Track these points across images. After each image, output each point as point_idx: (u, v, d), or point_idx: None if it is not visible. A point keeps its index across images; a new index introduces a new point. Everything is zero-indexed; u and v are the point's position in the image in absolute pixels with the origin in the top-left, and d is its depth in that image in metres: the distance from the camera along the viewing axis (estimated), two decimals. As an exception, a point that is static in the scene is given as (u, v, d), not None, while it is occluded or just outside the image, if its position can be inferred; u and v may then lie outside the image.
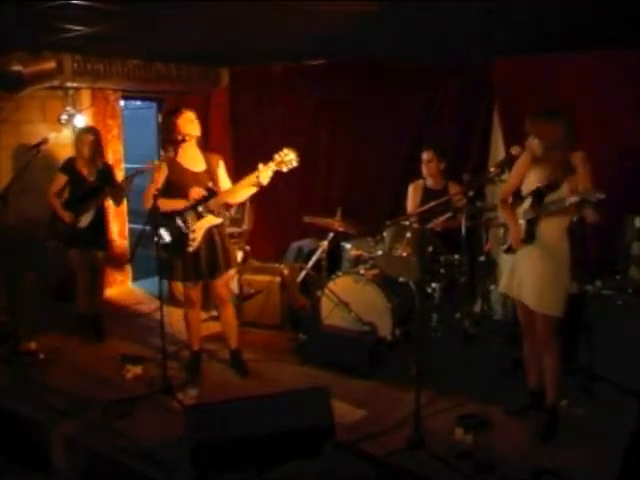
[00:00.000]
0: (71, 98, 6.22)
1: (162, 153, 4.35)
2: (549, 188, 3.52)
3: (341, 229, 5.41)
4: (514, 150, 3.68)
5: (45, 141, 5.02)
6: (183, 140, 4.36)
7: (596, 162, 3.56)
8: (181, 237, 4.35)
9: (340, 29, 4.29)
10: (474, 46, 5.05)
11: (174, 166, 4.40)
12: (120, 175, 6.31)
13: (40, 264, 5.81)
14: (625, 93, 4.82)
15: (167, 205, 4.31)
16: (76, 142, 5.31)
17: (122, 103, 6.93)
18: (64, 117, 6.13)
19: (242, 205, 6.01)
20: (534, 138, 3.57)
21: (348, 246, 5.63)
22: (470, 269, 5.24)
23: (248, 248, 6.22)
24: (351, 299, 5.02)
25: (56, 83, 5.44)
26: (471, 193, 4.46)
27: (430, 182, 5.32)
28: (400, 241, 4.84)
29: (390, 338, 4.85)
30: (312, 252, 5.85)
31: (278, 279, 5.58)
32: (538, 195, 3.56)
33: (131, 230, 7.10)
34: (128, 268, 7.08)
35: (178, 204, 4.35)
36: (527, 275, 3.67)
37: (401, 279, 5.02)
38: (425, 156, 5.25)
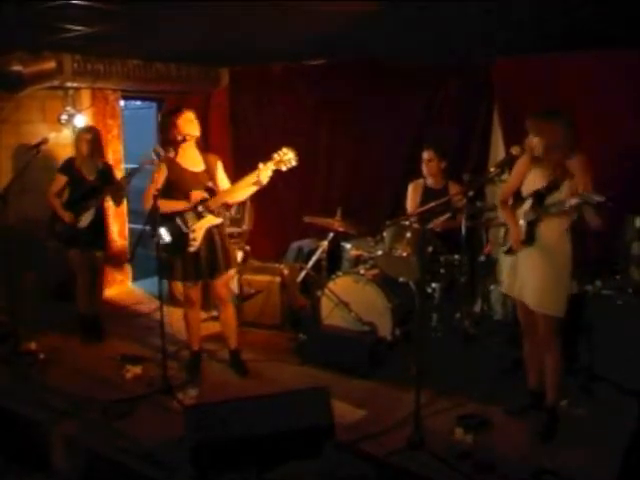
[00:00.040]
0: (71, 98, 6.22)
1: (158, 149, 4.33)
2: (549, 189, 3.52)
3: (341, 229, 5.41)
4: (514, 150, 3.68)
5: (45, 141, 5.03)
6: (183, 140, 4.36)
7: (596, 162, 3.57)
8: (181, 237, 4.35)
9: (340, 29, 4.28)
10: (474, 46, 5.05)
11: (174, 166, 4.40)
12: (120, 175, 6.30)
13: (40, 264, 5.81)
14: (625, 93, 4.82)
15: (167, 206, 4.31)
16: (75, 141, 5.32)
17: (122, 103, 6.92)
18: (64, 117, 6.13)
19: (242, 205, 6.02)
20: (534, 137, 3.57)
21: (348, 246, 5.63)
22: (470, 269, 5.24)
23: (248, 248, 6.21)
24: (351, 299, 5.02)
25: (56, 83, 5.44)
26: (471, 193, 4.46)
27: (430, 181, 5.32)
28: (400, 241, 4.84)
29: (390, 338, 4.85)
30: (312, 252, 5.85)
31: (278, 279, 5.58)
32: (538, 197, 3.56)
33: (131, 230, 7.10)
34: (128, 268, 7.08)
35: (178, 205, 4.35)
36: (528, 276, 3.67)
37: (401, 279, 5.02)
38: (425, 155, 5.25)
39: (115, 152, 6.66)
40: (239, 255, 5.97)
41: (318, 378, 4.47)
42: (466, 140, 5.77)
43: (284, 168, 4.16)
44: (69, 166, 5.22)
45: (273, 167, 4.15)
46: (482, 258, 5.36)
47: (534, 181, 3.63)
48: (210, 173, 4.47)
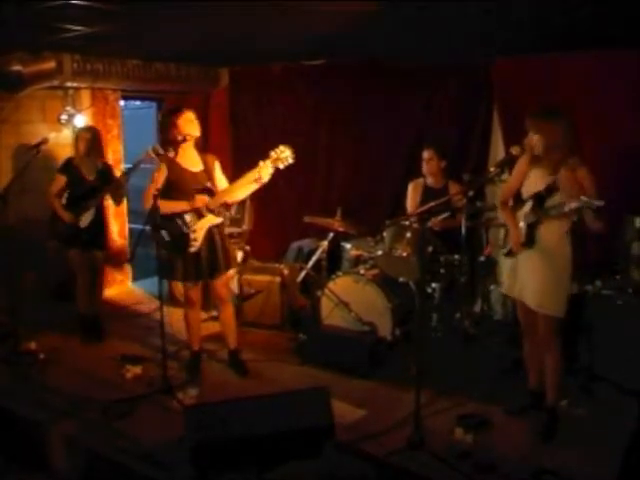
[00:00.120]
0: (71, 98, 6.22)
1: (157, 148, 4.34)
2: (549, 191, 3.52)
3: (341, 229, 5.41)
4: (514, 150, 3.67)
5: (45, 141, 5.03)
6: (183, 140, 4.37)
7: (596, 162, 3.58)
8: (182, 237, 4.35)
9: (340, 29, 4.28)
10: (474, 46, 5.05)
11: (173, 166, 4.41)
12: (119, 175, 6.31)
13: (40, 264, 5.81)
14: (625, 93, 4.82)
15: (168, 207, 4.31)
16: (74, 140, 5.33)
17: (122, 103, 6.92)
18: (64, 117, 6.13)
19: (242, 205, 6.02)
20: (534, 135, 3.56)
21: (348, 246, 5.63)
22: (470, 269, 5.24)
23: (248, 248, 6.21)
24: (351, 299, 5.02)
25: (56, 83, 5.44)
26: (471, 193, 4.47)
27: (430, 181, 5.32)
28: (400, 241, 4.84)
29: (390, 338, 4.85)
30: (312, 252, 5.85)
31: (278, 279, 5.58)
32: (538, 199, 3.56)
33: (131, 230, 7.11)
34: (128, 268, 7.08)
35: (179, 206, 4.35)
36: (528, 276, 3.67)
37: (401, 279, 5.03)
38: (426, 154, 5.25)
39: (115, 152, 6.66)
40: (239, 255, 5.97)
41: (318, 378, 4.47)
42: (466, 140, 5.77)
43: (281, 166, 4.16)
44: (68, 166, 5.23)
45: (271, 165, 4.15)
46: (482, 258, 5.36)
47: (534, 181, 3.63)
48: (208, 173, 4.48)
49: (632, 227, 4.61)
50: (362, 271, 5.12)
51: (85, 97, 6.37)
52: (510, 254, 3.78)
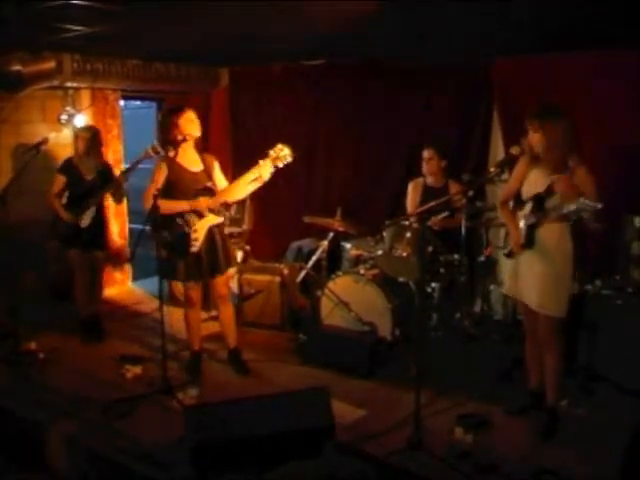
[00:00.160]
0: (71, 98, 6.22)
1: (156, 147, 4.35)
2: (549, 192, 3.52)
3: (341, 229, 5.41)
4: (514, 150, 3.68)
5: (45, 141, 5.02)
6: (183, 140, 4.38)
7: (596, 162, 3.57)
8: (183, 237, 4.36)
9: (340, 29, 4.28)
10: (474, 46, 5.05)
11: (174, 166, 4.41)
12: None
13: (40, 264, 5.81)
14: (625, 93, 4.82)
15: (168, 207, 4.31)
16: (74, 140, 5.32)
17: (122, 103, 6.92)
18: (64, 117, 6.13)
19: (242, 205, 6.02)
20: (535, 134, 3.56)
21: (348, 246, 5.63)
22: (470, 269, 5.24)
23: (248, 248, 6.22)
24: (351, 299, 5.02)
25: (56, 83, 5.45)
26: (471, 193, 4.47)
27: (430, 180, 5.32)
28: (400, 241, 4.84)
29: (390, 338, 4.85)
30: (312, 252, 5.85)
31: (278, 279, 5.57)
32: (538, 201, 3.56)
33: (131, 230, 7.11)
34: (128, 268, 7.08)
35: (180, 206, 4.35)
36: (529, 277, 3.67)
37: (401, 279, 5.03)
38: (426, 154, 5.25)
39: (115, 152, 6.66)
40: (239, 255, 5.98)
41: (318, 378, 4.47)
42: (466, 140, 5.77)
43: (281, 164, 4.19)
44: (68, 166, 5.23)
45: (270, 163, 4.17)
46: (482, 258, 5.36)
47: (534, 182, 3.63)
48: (208, 173, 4.49)
49: (632, 227, 4.61)
50: (362, 271, 5.12)
51: (85, 97, 6.37)
52: (510, 255, 3.78)
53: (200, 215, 4.37)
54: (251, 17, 3.89)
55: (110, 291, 6.66)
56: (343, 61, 6.01)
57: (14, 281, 4.99)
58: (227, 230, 4.83)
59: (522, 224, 3.67)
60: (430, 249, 4.81)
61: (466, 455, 3.48)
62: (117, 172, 5.75)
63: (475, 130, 5.75)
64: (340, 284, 5.10)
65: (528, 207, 3.64)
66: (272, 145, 4.26)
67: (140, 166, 4.78)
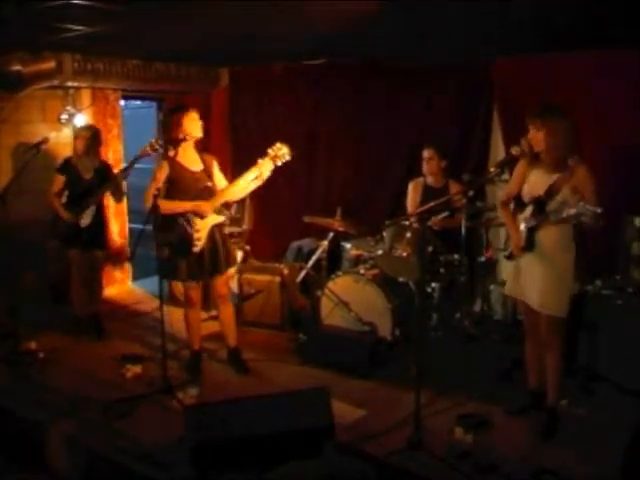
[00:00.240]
0: (71, 98, 6.22)
1: (155, 145, 4.36)
2: (549, 195, 3.52)
3: (341, 229, 5.41)
4: (514, 150, 3.68)
5: (45, 141, 5.02)
6: (184, 139, 4.38)
7: (596, 162, 3.57)
8: (186, 237, 4.36)
9: (340, 29, 4.28)
10: (474, 46, 5.05)
11: (174, 165, 4.41)
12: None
13: (40, 264, 5.81)
14: (625, 93, 4.82)
15: (170, 207, 4.32)
16: (73, 138, 5.32)
17: (122, 103, 6.92)
18: (64, 117, 6.12)
19: (242, 205, 6.02)
20: (537, 132, 3.56)
21: (348, 246, 5.63)
22: (470, 269, 5.24)
23: (248, 248, 6.21)
24: (351, 299, 5.02)
25: (56, 83, 5.45)
26: (471, 193, 4.47)
27: (430, 180, 5.32)
28: (400, 241, 4.84)
29: (390, 338, 4.85)
30: (312, 252, 5.85)
31: (278, 279, 5.57)
32: (539, 204, 3.56)
33: (131, 229, 7.11)
34: (128, 267, 7.08)
35: (181, 207, 4.36)
36: (530, 277, 3.68)
37: (401, 279, 5.03)
38: (426, 154, 5.25)
39: (115, 152, 6.66)
40: (239, 255, 5.97)
41: (318, 378, 4.47)
42: (466, 140, 5.77)
43: (280, 163, 4.26)
44: (66, 166, 5.23)
45: (270, 162, 4.21)
46: (482, 258, 5.36)
47: (535, 182, 3.63)
48: (208, 172, 4.51)
49: (632, 227, 4.61)
50: (362, 271, 5.12)
51: (85, 97, 6.36)
52: (511, 258, 3.79)
53: (202, 215, 4.38)
54: (251, 17, 3.89)
55: (110, 291, 6.66)
56: (343, 61, 6.01)
57: (14, 281, 4.99)
58: (227, 230, 4.84)
59: (522, 227, 3.67)
60: (430, 249, 4.81)
61: (466, 455, 3.48)
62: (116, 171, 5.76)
63: (475, 130, 5.74)
64: (340, 284, 5.10)
65: (529, 210, 3.64)
66: (272, 145, 4.31)
67: (140, 165, 4.79)
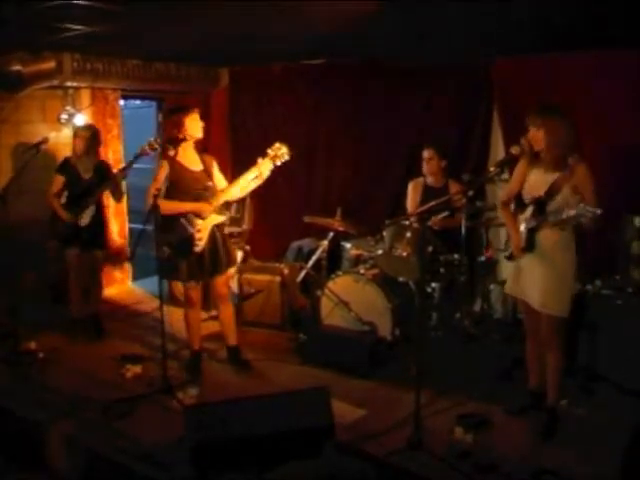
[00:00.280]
0: (71, 97, 6.22)
1: (154, 143, 4.38)
2: (550, 195, 3.52)
3: (341, 229, 5.41)
4: (514, 150, 3.68)
5: (45, 141, 5.02)
6: (184, 139, 4.39)
7: (596, 162, 3.57)
8: (187, 237, 4.37)
9: (340, 29, 4.28)
10: (474, 46, 5.05)
11: (175, 165, 4.42)
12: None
13: (40, 264, 5.81)
14: (625, 93, 4.82)
15: (171, 208, 4.32)
16: (73, 138, 5.32)
17: (122, 102, 6.92)
18: (64, 117, 6.12)
19: (242, 204, 6.02)
20: (538, 131, 3.56)
21: (348, 246, 5.63)
22: (470, 268, 5.24)
23: (248, 248, 6.22)
24: (351, 299, 5.02)
25: (56, 83, 5.44)
26: (471, 193, 4.47)
27: (430, 180, 5.32)
28: (400, 241, 4.84)
29: (390, 338, 4.85)
30: (312, 252, 5.85)
31: (278, 279, 5.57)
32: (539, 204, 3.56)
33: (131, 229, 7.10)
34: (128, 267, 7.08)
35: (181, 207, 4.36)
36: (531, 277, 3.68)
37: (401, 279, 5.03)
38: (426, 154, 5.25)
39: (115, 152, 6.65)
40: (239, 255, 5.97)
41: (318, 378, 4.47)
42: (466, 140, 5.77)
43: (279, 162, 4.30)
44: (65, 166, 5.24)
45: (270, 162, 4.25)
46: (482, 258, 5.36)
47: (535, 182, 3.63)
48: (208, 173, 4.52)
49: (632, 227, 4.61)
50: (362, 271, 5.12)
51: (85, 97, 6.36)
52: (511, 258, 3.79)
53: (203, 216, 4.39)
54: (251, 17, 3.89)
55: (110, 291, 6.66)
56: (343, 61, 6.01)
57: (14, 281, 4.98)
58: (227, 230, 4.85)
59: (523, 227, 3.67)
60: (430, 249, 4.81)
61: (466, 455, 3.48)
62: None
63: (475, 130, 5.74)
64: (340, 284, 5.10)
65: (529, 211, 3.64)
66: (272, 145, 4.33)
67: (140, 165, 4.79)
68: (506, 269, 3.95)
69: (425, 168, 5.28)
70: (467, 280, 5.18)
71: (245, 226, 6.23)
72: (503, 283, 4.38)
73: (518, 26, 4.16)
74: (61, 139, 6.11)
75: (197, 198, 4.40)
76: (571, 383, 4.17)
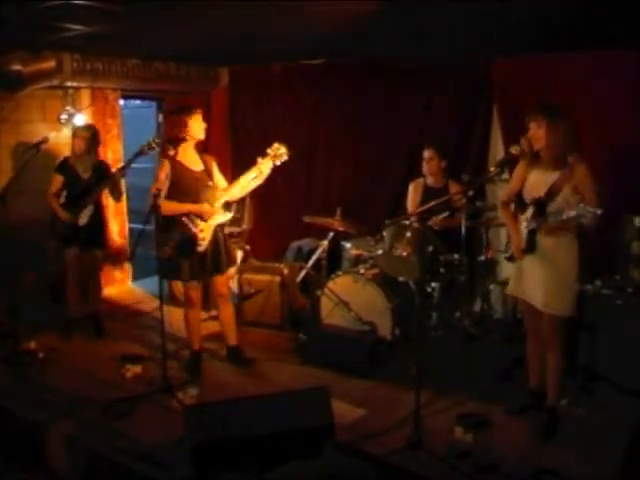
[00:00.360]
0: (71, 97, 6.22)
1: (153, 143, 4.39)
2: (550, 196, 3.52)
3: (341, 228, 5.41)
4: (514, 149, 3.68)
5: (45, 140, 5.03)
6: (184, 139, 4.40)
7: (596, 162, 3.56)
8: (190, 237, 4.37)
9: (340, 29, 4.28)
10: (474, 46, 5.05)
11: (175, 165, 4.43)
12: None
13: (40, 264, 5.81)
14: (625, 93, 4.82)
15: (172, 209, 4.33)
16: (72, 138, 5.32)
17: (122, 102, 6.92)
18: (64, 116, 6.12)
19: (242, 204, 6.02)
20: (538, 130, 3.56)
21: (348, 245, 5.63)
22: (470, 268, 5.24)
23: (248, 247, 6.22)
24: (351, 298, 5.02)
25: (56, 82, 5.44)
26: (471, 193, 4.47)
27: (430, 180, 5.32)
28: (400, 240, 4.84)
29: (390, 338, 4.85)
30: (312, 251, 5.85)
31: (278, 279, 5.57)
32: (539, 205, 3.55)
33: (131, 229, 7.10)
34: (128, 267, 7.08)
35: (183, 208, 4.37)
36: (533, 278, 3.68)
37: (401, 278, 5.03)
38: (426, 154, 5.25)
39: (115, 151, 6.65)
40: (239, 255, 5.98)
41: (318, 378, 4.47)
42: (466, 140, 5.77)
43: (278, 162, 4.35)
44: (64, 166, 5.24)
45: (270, 161, 4.29)
46: (482, 258, 5.36)
47: (535, 182, 3.63)
48: (208, 173, 4.53)
49: (632, 227, 4.61)
50: (362, 270, 5.12)
51: (85, 96, 6.36)
52: (512, 259, 3.79)
53: (204, 217, 4.40)
54: (251, 17, 3.89)
55: (110, 290, 6.66)
56: (343, 61, 6.01)
57: (14, 281, 4.98)
58: (227, 230, 4.85)
59: (523, 227, 3.67)
60: (430, 249, 4.81)
61: (466, 455, 3.48)
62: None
63: (475, 130, 5.74)
64: (340, 284, 5.10)
65: (529, 211, 3.63)
66: (272, 145, 4.34)
67: (141, 165, 4.80)
68: (506, 269, 3.95)
69: (425, 168, 5.28)
70: (467, 280, 5.18)
71: (245, 226, 6.23)
72: (503, 283, 4.39)
73: (518, 26, 4.16)
74: (61, 139, 6.11)
75: (198, 198, 4.40)
76: (571, 383, 4.17)
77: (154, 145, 4.42)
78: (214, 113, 7.03)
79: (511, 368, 4.50)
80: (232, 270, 5.19)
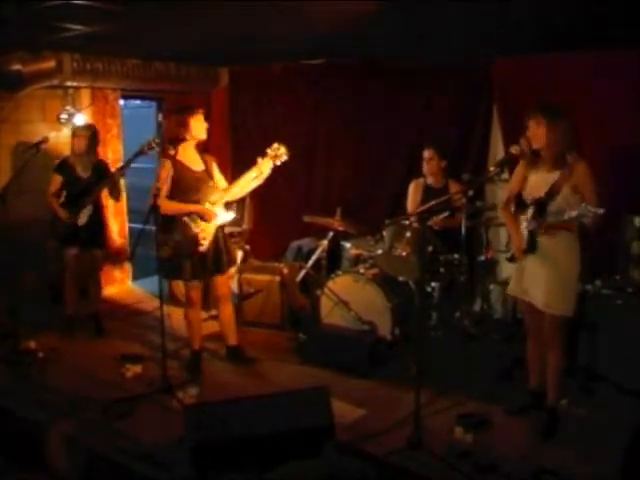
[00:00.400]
0: (71, 97, 6.21)
1: (153, 143, 4.39)
2: (550, 196, 3.52)
3: (341, 228, 5.41)
4: (514, 149, 3.68)
5: (45, 140, 5.03)
6: (185, 139, 4.40)
7: (596, 162, 3.56)
8: (190, 237, 4.37)
9: (340, 29, 4.28)
10: (474, 46, 5.05)
11: (176, 164, 4.44)
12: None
13: (40, 264, 5.81)
14: (625, 93, 4.82)
15: (173, 209, 4.33)
16: (72, 137, 5.32)
17: (122, 102, 6.92)
18: (64, 116, 6.12)
19: (242, 204, 6.02)
20: (539, 128, 3.56)
21: (348, 245, 5.63)
22: (470, 268, 5.24)
23: (248, 247, 6.22)
24: (351, 298, 5.02)
25: (56, 82, 5.45)
26: (471, 192, 4.47)
27: (431, 180, 5.32)
28: (400, 240, 4.84)
29: (390, 337, 4.85)
30: (312, 251, 5.85)
31: (278, 278, 5.57)
32: (539, 205, 3.55)
33: (131, 229, 7.10)
34: (128, 267, 7.08)
35: (185, 209, 4.37)
36: (534, 278, 3.68)
37: (401, 278, 5.03)
38: (426, 154, 5.25)
39: (115, 151, 6.65)
40: (239, 255, 5.98)
41: (318, 378, 4.47)
42: (466, 140, 5.77)
43: (278, 162, 4.36)
44: (64, 165, 5.24)
45: (270, 161, 4.31)
46: (482, 257, 5.36)
47: (535, 182, 3.63)
48: (209, 172, 4.53)
49: (632, 226, 4.61)
50: (362, 270, 5.12)
51: (85, 96, 6.36)
52: (512, 260, 3.79)
53: (205, 218, 4.41)
54: (251, 17, 3.89)
55: (110, 290, 6.66)
56: (343, 61, 6.01)
57: (14, 281, 4.98)
58: (227, 230, 4.85)
59: (524, 228, 3.67)
60: (430, 249, 4.81)
61: (466, 455, 3.48)
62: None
63: (475, 130, 5.74)
64: (340, 283, 5.10)
65: (530, 212, 3.63)
66: (271, 145, 4.35)
67: (141, 165, 4.80)
68: (506, 269, 3.95)
69: (425, 168, 5.28)
70: (467, 280, 5.17)
71: (245, 226, 6.23)
72: (503, 283, 4.39)
73: (518, 26, 4.16)
74: (61, 139, 6.10)
75: (199, 198, 4.40)
76: (571, 383, 4.17)
77: (154, 145, 4.42)
78: (214, 113, 7.02)
79: (511, 368, 4.50)
80: (232, 270, 5.18)
